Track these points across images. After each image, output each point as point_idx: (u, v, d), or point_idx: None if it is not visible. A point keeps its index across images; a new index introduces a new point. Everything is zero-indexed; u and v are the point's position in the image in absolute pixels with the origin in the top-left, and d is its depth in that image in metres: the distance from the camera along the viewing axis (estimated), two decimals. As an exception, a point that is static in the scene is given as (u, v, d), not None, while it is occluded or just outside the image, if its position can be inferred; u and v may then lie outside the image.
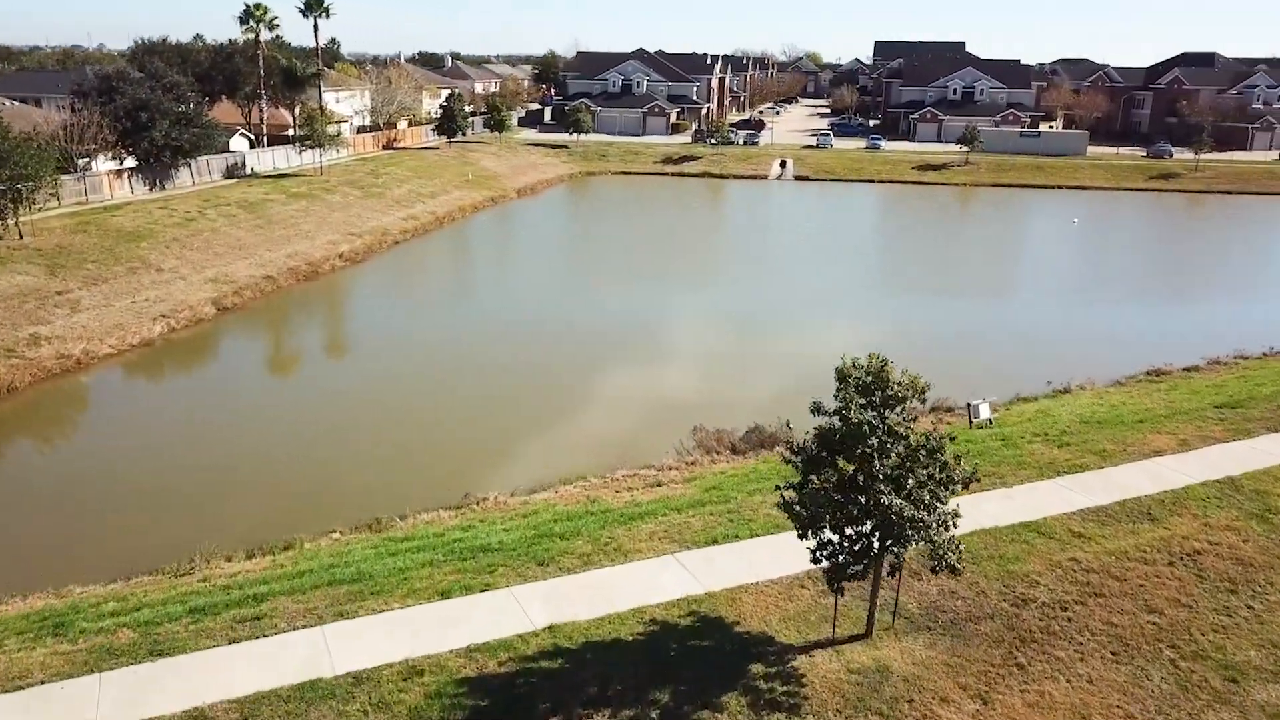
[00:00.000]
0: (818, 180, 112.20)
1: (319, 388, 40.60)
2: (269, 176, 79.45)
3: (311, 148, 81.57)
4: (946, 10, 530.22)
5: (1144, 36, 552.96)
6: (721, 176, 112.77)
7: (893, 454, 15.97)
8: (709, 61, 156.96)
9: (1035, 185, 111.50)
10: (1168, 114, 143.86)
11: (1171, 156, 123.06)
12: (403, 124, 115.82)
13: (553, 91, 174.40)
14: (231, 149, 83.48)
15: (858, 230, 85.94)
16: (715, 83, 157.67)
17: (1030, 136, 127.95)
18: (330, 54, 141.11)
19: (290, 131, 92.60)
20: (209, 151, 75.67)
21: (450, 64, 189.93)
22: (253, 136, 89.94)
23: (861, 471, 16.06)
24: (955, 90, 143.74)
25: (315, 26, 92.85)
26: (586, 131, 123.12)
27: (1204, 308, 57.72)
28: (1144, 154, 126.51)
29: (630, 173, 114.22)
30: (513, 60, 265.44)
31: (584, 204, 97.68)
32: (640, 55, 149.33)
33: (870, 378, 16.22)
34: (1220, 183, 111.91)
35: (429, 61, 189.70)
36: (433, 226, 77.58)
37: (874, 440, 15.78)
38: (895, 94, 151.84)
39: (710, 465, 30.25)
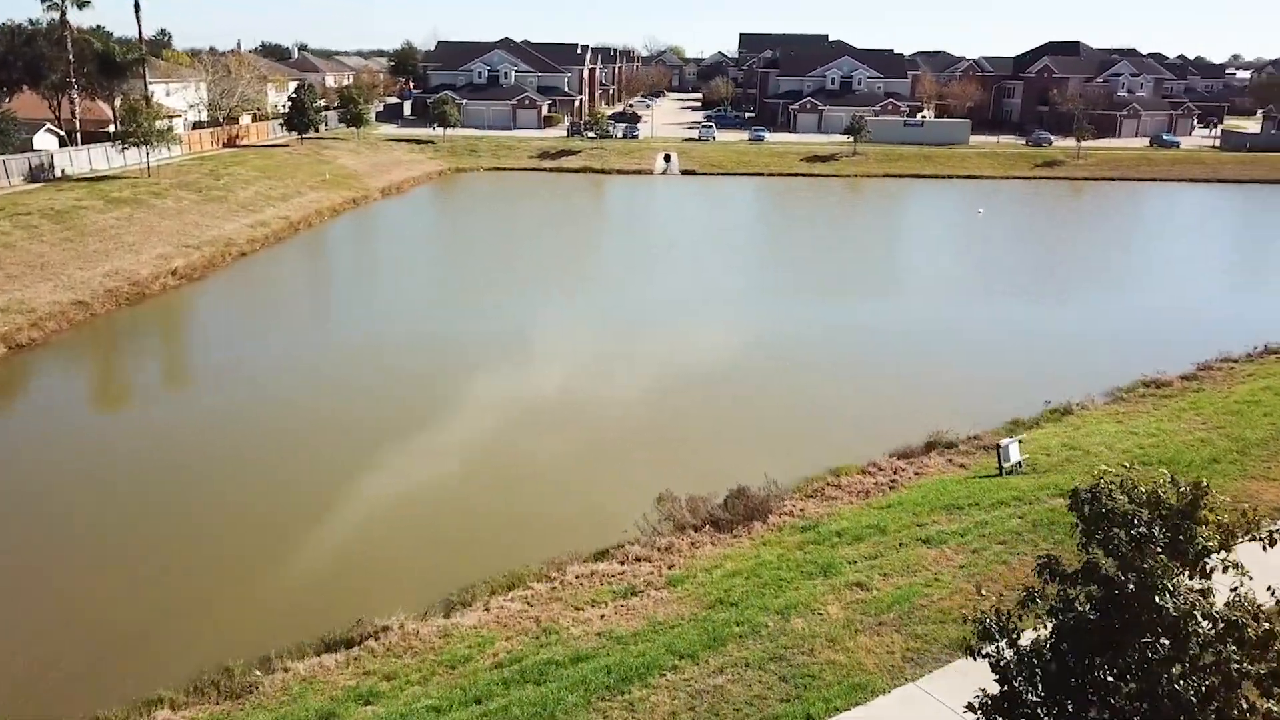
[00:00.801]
0: (705, 175, 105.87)
1: (138, 451, 30.73)
2: (84, 179, 67.13)
3: (136, 145, 69.49)
4: (807, 2, 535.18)
5: (999, 32, 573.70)
6: (603, 172, 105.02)
7: (1208, 652, 8.57)
8: (579, 51, 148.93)
9: (925, 175, 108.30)
10: (1039, 102, 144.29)
11: (1051, 144, 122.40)
12: (246, 119, 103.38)
13: (412, 85, 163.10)
14: (36, 147, 70.61)
15: (761, 228, 79.78)
16: (587, 74, 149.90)
17: (914, 126, 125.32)
18: (159, 44, 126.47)
19: (111, 128, 79.78)
20: (5, 150, 63.04)
21: (297, 55, 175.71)
22: (63, 133, 76.79)
23: (1149, 684, 8.60)
24: (833, 80, 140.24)
25: (136, 4, 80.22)
26: (453, 125, 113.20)
27: (1141, 299, 53.60)
28: (1024, 142, 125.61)
29: (504, 169, 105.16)
30: (364, 54, 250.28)
31: (457, 203, 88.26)
32: (507, 45, 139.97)
33: (1168, 518, 8.77)
34: (1102, 169, 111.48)
35: (273, 53, 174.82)
36: (286, 233, 66.93)
37: (1190, 627, 8.36)
38: (772, 84, 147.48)
39: (691, 551, 22.51)
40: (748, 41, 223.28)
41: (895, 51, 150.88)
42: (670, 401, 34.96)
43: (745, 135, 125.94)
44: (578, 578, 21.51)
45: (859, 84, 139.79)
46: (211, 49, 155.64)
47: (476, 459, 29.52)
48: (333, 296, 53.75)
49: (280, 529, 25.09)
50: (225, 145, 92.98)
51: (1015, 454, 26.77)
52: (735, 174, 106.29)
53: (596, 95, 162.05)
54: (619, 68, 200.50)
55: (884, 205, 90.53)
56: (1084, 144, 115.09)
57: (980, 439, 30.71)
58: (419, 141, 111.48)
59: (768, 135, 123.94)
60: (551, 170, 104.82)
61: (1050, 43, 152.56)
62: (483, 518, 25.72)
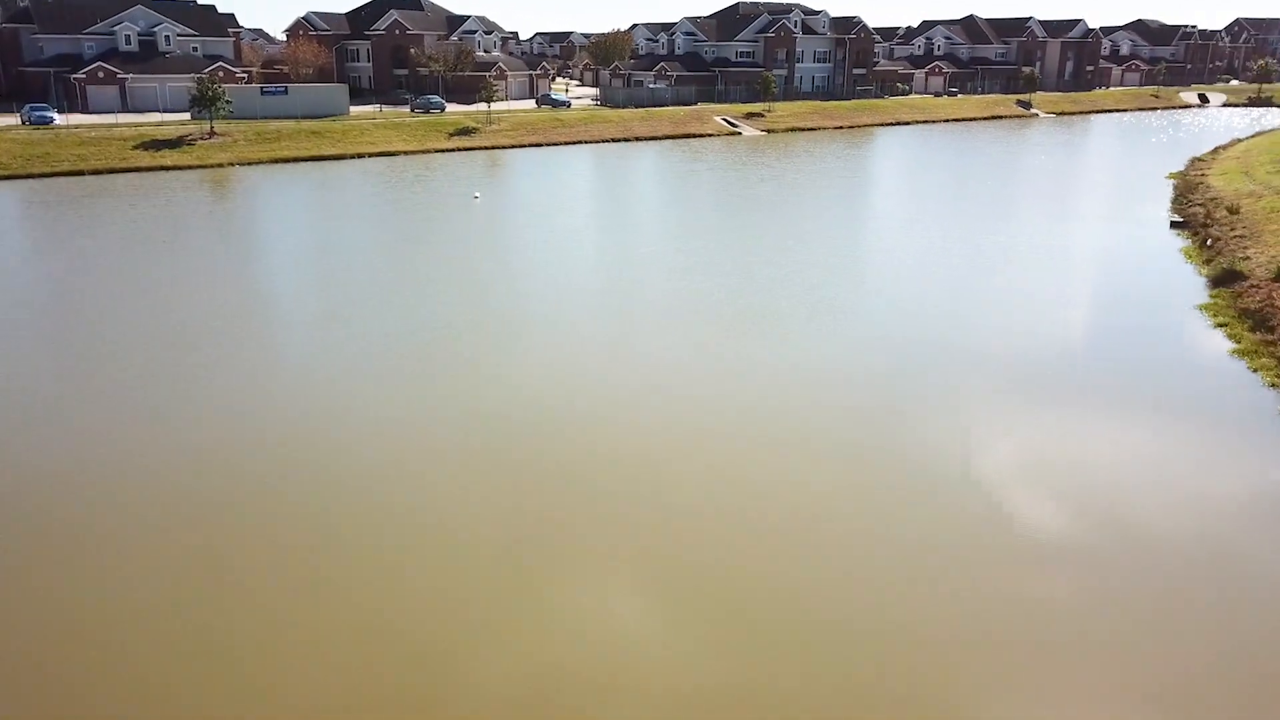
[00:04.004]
0: (-24, 182, 62.17)
1: None
2: None
3: None
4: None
5: None
6: None
7: None
8: None
9: (328, 156, 78.63)
10: (395, 64, 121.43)
11: (444, 110, 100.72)
12: None
13: None
14: None
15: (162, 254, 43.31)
16: None
17: (276, 94, 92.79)
18: None
19: None
20: None
21: None
22: None
23: None
24: (129, 39, 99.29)
25: None
26: None
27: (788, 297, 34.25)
28: (409, 110, 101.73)
29: None
30: None
31: None
32: None
33: None
34: (522, 135, 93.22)
35: None
36: None
37: None
38: (30, 48, 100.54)
39: None
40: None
41: (199, 3, 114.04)
42: None
43: (15, 120, 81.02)
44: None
45: (168, 44, 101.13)
46: None
47: None
48: None
49: None
50: None
51: None
52: (31, 176, 64.47)
53: None
54: None
55: (330, 204, 59.30)
56: (481, 107, 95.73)
57: None
58: None
59: (56, 116, 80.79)
60: None
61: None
62: None
